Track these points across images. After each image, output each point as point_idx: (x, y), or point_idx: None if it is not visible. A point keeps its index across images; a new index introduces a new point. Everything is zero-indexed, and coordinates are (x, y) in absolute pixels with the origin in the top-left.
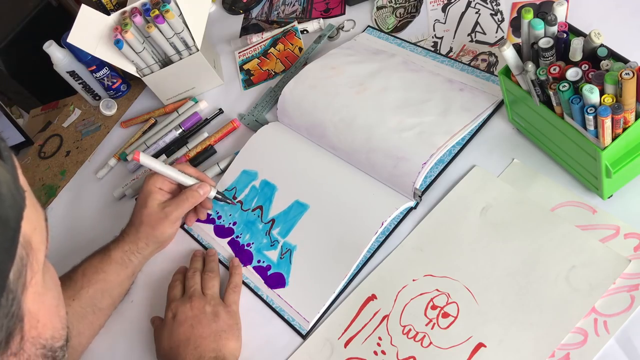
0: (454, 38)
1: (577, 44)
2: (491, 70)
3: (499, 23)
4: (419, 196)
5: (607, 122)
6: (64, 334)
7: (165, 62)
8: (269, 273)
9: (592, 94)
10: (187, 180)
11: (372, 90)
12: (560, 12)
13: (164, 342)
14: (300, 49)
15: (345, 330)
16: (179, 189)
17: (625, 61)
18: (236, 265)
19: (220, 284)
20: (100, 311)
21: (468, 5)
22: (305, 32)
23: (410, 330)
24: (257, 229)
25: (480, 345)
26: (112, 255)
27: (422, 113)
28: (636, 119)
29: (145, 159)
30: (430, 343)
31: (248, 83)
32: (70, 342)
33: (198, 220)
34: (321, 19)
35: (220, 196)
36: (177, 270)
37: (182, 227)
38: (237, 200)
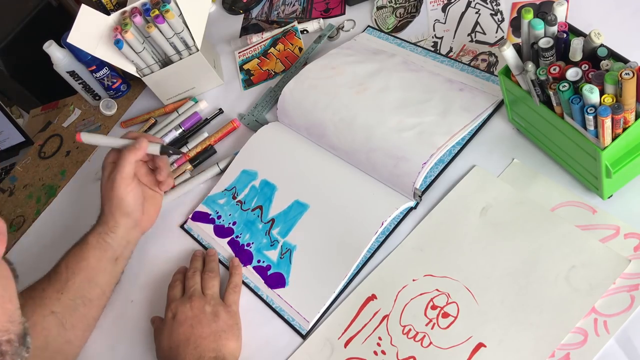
0: (454, 38)
1: (577, 44)
2: (491, 70)
3: (499, 23)
4: (419, 196)
5: (607, 122)
6: (10, 328)
7: (165, 62)
8: (268, 273)
9: (592, 94)
10: (126, 142)
11: (372, 90)
12: (560, 12)
13: (163, 342)
14: (300, 49)
15: (345, 330)
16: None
17: (625, 61)
18: (236, 265)
19: (220, 284)
20: (90, 302)
21: (468, 5)
22: (305, 32)
23: (410, 330)
24: (257, 228)
25: (480, 345)
26: (89, 241)
27: (422, 113)
28: (636, 119)
29: (86, 137)
30: (430, 343)
31: (248, 83)
32: (64, 336)
33: (195, 220)
34: (321, 19)
35: (168, 150)
36: (177, 271)
37: (182, 227)
38: (236, 200)
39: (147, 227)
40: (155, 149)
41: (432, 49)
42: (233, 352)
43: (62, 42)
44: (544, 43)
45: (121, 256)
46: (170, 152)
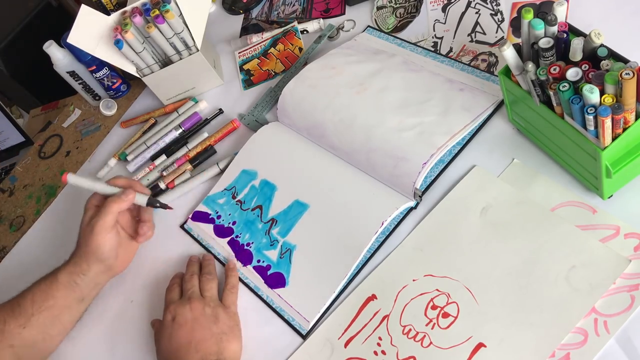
0: (454, 38)
1: (577, 44)
2: (491, 70)
3: (499, 23)
4: (419, 196)
5: (607, 122)
6: None
7: (165, 62)
8: (268, 273)
9: (592, 94)
10: (113, 190)
11: (372, 90)
12: (560, 12)
13: (163, 345)
14: (300, 49)
15: (346, 330)
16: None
17: (625, 61)
18: (232, 267)
19: (218, 286)
20: (50, 338)
21: (468, 5)
22: (305, 32)
23: (410, 330)
24: (256, 228)
25: (480, 345)
26: (59, 278)
27: (422, 113)
28: (636, 119)
29: (73, 179)
30: (431, 343)
31: (248, 83)
32: None
33: (195, 220)
34: (321, 19)
35: (155, 203)
36: (174, 275)
37: (181, 227)
38: (236, 200)
39: (118, 272)
40: (142, 200)
41: (432, 49)
42: (234, 354)
43: (62, 42)
44: (544, 43)
45: (87, 297)
46: (157, 204)
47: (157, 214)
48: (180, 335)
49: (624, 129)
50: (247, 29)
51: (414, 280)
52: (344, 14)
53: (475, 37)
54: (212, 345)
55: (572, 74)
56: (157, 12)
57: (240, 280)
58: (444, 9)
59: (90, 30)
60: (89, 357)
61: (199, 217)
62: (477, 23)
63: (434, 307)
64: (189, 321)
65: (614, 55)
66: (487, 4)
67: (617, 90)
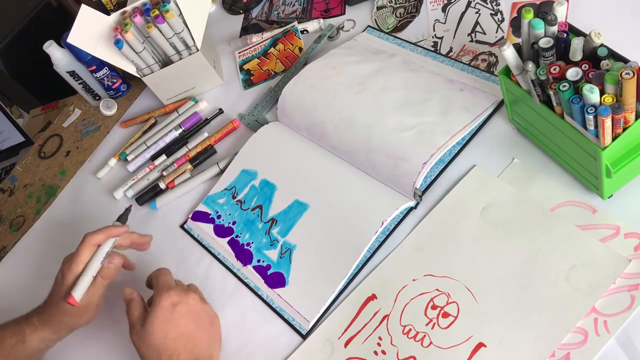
0: (454, 38)
1: (577, 44)
2: (491, 70)
3: (499, 23)
4: (419, 196)
5: (608, 122)
6: None
7: (165, 62)
8: (268, 273)
9: (592, 93)
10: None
11: (372, 90)
12: (560, 12)
13: (158, 328)
14: (300, 49)
15: (346, 330)
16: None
17: (625, 61)
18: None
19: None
20: None
21: (468, 5)
22: (305, 32)
23: (410, 330)
24: (256, 228)
25: (480, 345)
26: (28, 343)
27: (422, 113)
28: (636, 118)
29: (78, 295)
30: (431, 343)
31: (248, 83)
32: None
33: (195, 219)
34: (321, 19)
35: (124, 218)
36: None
37: (181, 227)
38: (236, 199)
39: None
40: (109, 245)
41: (432, 49)
42: None
43: (62, 42)
44: (544, 43)
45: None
46: (124, 216)
47: (157, 214)
48: (181, 324)
49: (624, 129)
50: (247, 29)
51: (414, 280)
52: (344, 14)
53: (475, 37)
54: (206, 349)
55: (572, 73)
56: (157, 12)
57: (240, 280)
58: (444, 9)
59: (90, 30)
60: (88, 357)
61: (199, 217)
62: (477, 23)
63: (434, 307)
64: (192, 313)
65: (614, 55)
66: (487, 3)
67: (617, 90)
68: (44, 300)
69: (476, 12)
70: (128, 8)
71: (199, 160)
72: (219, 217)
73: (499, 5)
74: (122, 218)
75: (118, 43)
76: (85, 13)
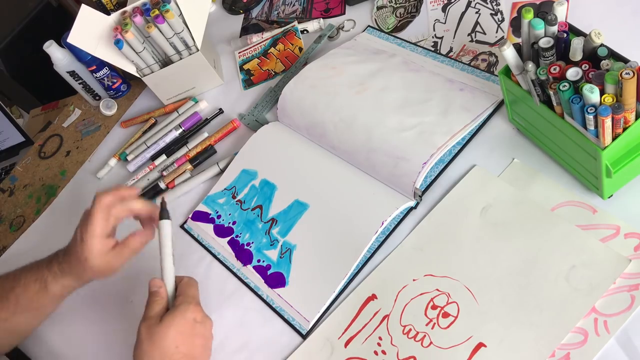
0: (454, 38)
1: (577, 44)
2: (491, 70)
3: (499, 23)
4: (419, 196)
5: (608, 122)
6: None
7: (165, 62)
8: (268, 272)
9: (592, 93)
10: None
11: (372, 90)
12: (560, 12)
13: (172, 335)
14: (300, 49)
15: (346, 330)
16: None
17: (625, 61)
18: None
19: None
20: (17, 333)
21: (468, 5)
22: (305, 32)
23: (410, 330)
24: (256, 228)
25: (480, 345)
26: (50, 289)
27: (422, 113)
28: (636, 118)
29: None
30: (431, 343)
31: (248, 83)
32: None
33: (195, 219)
34: (321, 19)
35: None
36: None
37: (182, 227)
38: (236, 199)
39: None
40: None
41: (432, 49)
42: None
43: (62, 42)
44: (544, 43)
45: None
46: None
47: None
48: (195, 344)
49: (624, 129)
50: (247, 29)
51: (414, 280)
52: (344, 13)
53: (475, 37)
54: None
55: (572, 73)
56: (157, 12)
57: (241, 280)
58: (444, 9)
59: (90, 30)
60: (88, 357)
61: (199, 217)
62: (477, 23)
63: (434, 307)
64: (204, 339)
65: (614, 55)
66: (487, 3)
67: (617, 90)
68: (63, 249)
69: (476, 12)
70: (128, 8)
71: (199, 160)
72: (219, 217)
73: (499, 5)
74: (164, 213)
75: (118, 43)
76: (85, 13)
